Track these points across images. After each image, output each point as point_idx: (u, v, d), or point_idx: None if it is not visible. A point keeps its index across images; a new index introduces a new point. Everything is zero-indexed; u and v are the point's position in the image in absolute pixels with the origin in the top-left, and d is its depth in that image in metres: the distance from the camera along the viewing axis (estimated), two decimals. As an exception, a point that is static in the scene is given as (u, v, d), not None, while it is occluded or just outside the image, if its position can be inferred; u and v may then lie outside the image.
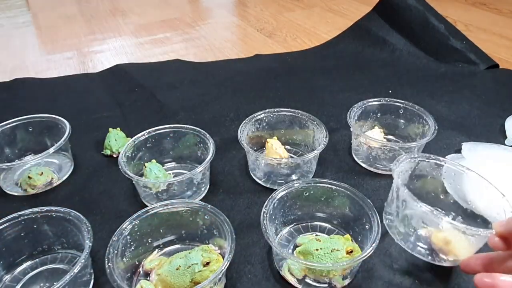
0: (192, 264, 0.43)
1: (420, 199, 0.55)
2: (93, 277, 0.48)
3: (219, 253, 0.45)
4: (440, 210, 0.55)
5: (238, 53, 1.12)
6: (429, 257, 0.47)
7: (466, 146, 0.65)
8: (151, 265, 0.48)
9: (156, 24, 1.34)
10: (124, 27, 1.31)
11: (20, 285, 0.48)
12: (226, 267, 0.41)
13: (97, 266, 0.49)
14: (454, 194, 0.54)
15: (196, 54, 1.12)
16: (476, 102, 0.84)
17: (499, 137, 0.72)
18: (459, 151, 0.65)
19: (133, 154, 0.61)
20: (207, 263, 0.43)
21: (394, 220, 0.50)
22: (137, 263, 0.49)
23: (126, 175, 0.54)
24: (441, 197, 0.55)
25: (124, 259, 0.46)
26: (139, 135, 0.62)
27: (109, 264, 0.42)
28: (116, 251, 0.44)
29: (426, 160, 0.54)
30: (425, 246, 0.48)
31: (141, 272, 0.48)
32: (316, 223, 0.55)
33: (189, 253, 0.45)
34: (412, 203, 0.46)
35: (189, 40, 1.21)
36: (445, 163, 0.53)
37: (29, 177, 0.60)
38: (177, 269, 0.44)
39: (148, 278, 0.47)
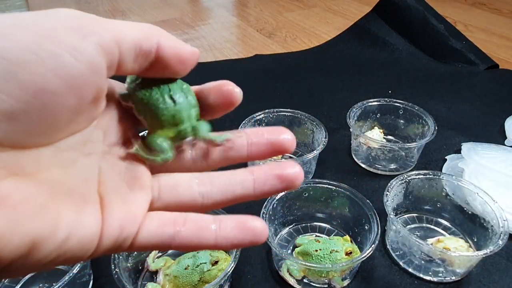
0: (200, 264, 0.44)
1: (420, 205, 0.56)
2: (92, 277, 0.48)
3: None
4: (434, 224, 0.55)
5: (238, 53, 1.12)
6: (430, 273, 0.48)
7: (465, 147, 0.64)
8: (158, 266, 0.48)
9: (156, 24, 1.32)
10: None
11: (19, 285, 0.48)
12: (234, 265, 0.42)
13: (97, 267, 0.49)
14: (453, 195, 0.54)
15: (196, 54, 1.12)
16: (476, 102, 0.84)
17: (499, 138, 0.72)
18: (458, 151, 0.65)
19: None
20: (216, 262, 0.44)
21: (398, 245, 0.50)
22: (141, 265, 0.49)
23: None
24: (441, 199, 0.54)
25: (129, 262, 0.46)
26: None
27: (116, 269, 0.41)
28: (121, 256, 0.44)
29: (416, 178, 0.54)
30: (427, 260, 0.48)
31: (146, 271, 0.48)
32: (315, 223, 0.55)
33: (197, 252, 0.45)
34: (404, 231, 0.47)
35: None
36: (434, 175, 0.53)
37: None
38: (185, 269, 0.44)
39: (154, 278, 0.47)
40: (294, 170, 0.22)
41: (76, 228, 0.18)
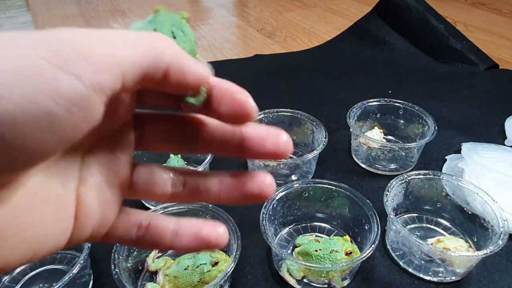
0: (200, 264, 0.44)
1: (420, 205, 0.56)
2: (92, 277, 0.48)
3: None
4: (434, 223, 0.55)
5: (238, 53, 1.12)
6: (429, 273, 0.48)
7: (465, 147, 0.64)
8: (158, 266, 0.48)
9: (156, 24, 1.33)
10: (124, 27, 1.31)
11: (19, 285, 0.48)
12: (234, 265, 0.42)
13: (96, 267, 0.49)
14: (453, 195, 0.54)
15: (196, 54, 1.12)
16: (476, 102, 0.84)
17: (499, 138, 0.72)
18: (458, 151, 0.65)
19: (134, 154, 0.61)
20: (216, 263, 0.44)
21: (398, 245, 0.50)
22: (140, 265, 0.49)
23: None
24: (441, 199, 0.55)
25: (129, 262, 0.46)
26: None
27: (116, 269, 0.41)
28: (121, 256, 0.44)
29: (416, 178, 0.54)
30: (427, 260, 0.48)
31: (146, 272, 0.48)
32: (315, 223, 0.55)
33: (197, 253, 0.45)
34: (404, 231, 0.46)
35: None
36: (434, 175, 0.53)
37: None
38: (185, 269, 0.44)
39: (154, 277, 0.47)
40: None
41: (46, 241, 0.18)
